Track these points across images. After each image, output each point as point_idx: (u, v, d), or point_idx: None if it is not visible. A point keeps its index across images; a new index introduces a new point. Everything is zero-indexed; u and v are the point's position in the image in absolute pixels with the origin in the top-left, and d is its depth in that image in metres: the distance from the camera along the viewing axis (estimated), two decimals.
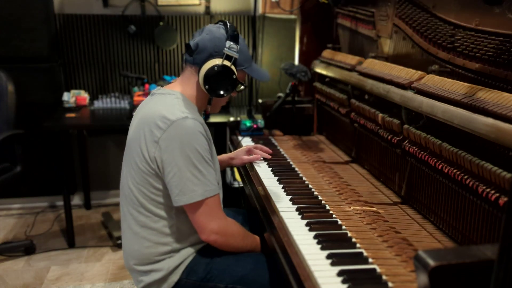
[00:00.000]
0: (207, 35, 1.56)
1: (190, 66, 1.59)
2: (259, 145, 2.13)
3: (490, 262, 0.83)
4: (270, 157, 2.08)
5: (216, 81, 1.54)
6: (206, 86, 1.54)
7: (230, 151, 2.51)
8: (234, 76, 1.56)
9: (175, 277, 1.55)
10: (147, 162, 1.48)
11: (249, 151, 2.04)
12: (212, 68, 1.53)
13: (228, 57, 1.55)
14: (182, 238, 1.56)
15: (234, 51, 1.55)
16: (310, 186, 1.83)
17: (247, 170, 2.01)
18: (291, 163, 2.10)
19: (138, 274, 1.58)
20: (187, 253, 1.57)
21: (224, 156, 2.03)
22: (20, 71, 3.35)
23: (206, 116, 1.69)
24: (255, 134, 2.57)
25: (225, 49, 1.54)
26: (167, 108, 1.49)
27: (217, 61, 1.54)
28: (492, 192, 1.22)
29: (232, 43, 1.55)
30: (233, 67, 1.56)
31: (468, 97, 1.32)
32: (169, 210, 1.53)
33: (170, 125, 1.44)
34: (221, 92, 1.56)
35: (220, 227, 1.51)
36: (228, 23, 1.60)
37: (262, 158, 2.07)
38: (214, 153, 1.61)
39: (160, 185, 1.51)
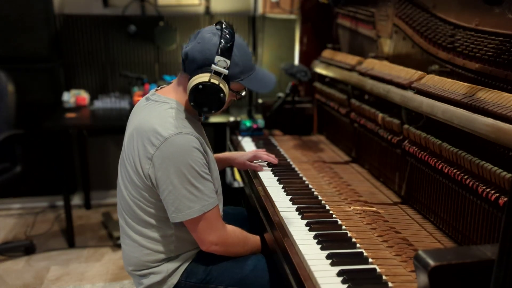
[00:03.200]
0: (198, 45, 1.45)
1: (183, 73, 1.53)
2: (265, 153, 2.01)
3: (490, 262, 0.83)
4: (276, 161, 1.99)
5: (202, 98, 1.44)
6: (192, 103, 1.45)
7: (230, 151, 2.51)
8: (222, 95, 1.44)
9: (174, 279, 1.54)
10: (141, 178, 1.45)
11: (254, 157, 1.95)
12: (197, 85, 1.43)
13: (218, 73, 1.44)
14: (182, 245, 1.55)
15: (224, 67, 1.43)
16: (310, 186, 1.83)
17: (248, 172, 2.01)
18: (291, 163, 2.10)
19: (138, 278, 1.58)
20: (187, 256, 1.56)
21: (227, 155, 1.98)
22: (20, 71, 3.35)
23: (205, 117, 1.65)
24: (255, 134, 2.56)
25: (213, 65, 1.43)
26: (160, 121, 1.43)
27: (205, 77, 1.43)
28: (492, 192, 1.22)
29: (222, 58, 1.42)
30: (222, 84, 1.44)
31: (468, 97, 1.32)
32: (166, 221, 1.50)
33: (163, 141, 1.39)
34: (206, 109, 1.47)
35: (220, 238, 1.49)
36: (224, 30, 1.46)
37: (265, 163, 2.00)
38: (213, 161, 1.55)
39: (154, 199, 1.48)
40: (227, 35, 1.46)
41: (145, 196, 1.48)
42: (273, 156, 2.02)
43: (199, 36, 1.48)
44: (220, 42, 1.44)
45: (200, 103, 1.46)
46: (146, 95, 1.61)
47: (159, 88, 1.63)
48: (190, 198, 1.41)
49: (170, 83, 1.64)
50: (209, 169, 1.49)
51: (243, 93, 1.58)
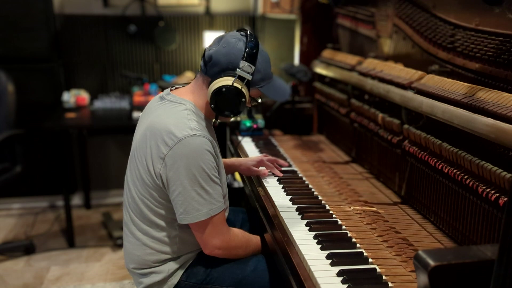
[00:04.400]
0: (224, 48, 1.46)
1: (203, 75, 1.53)
2: (272, 158, 1.96)
3: (490, 262, 0.83)
4: (281, 174, 1.91)
5: (223, 102, 1.46)
6: (212, 105, 1.47)
7: (230, 151, 2.51)
8: (244, 99, 1.46)
9: (175, 279, 1.54)
10: (152, 177, 1.45)
11: (260, 162, 1.91)
12: (220, 88, 1.44)
13: (241, 77, 1.45)
14: (185, 247, 1.55)
15: (248, 73, 1.45)
16: (310, 186, 1.83)
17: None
18: (291, 163, 2.10)
19: (138, 277, 1.58)
20: (188, 257, 1.56)
21: (233, 161, 1.96)
22: (20, 71, 3.35)
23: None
24: (255, 134, 2.56)
25: (238, 69, 1.45)
26: (175, 122, 1.44)
27: (228, 81, 1.44)
28: (492, 192, 1.22)
29: (247, 63, 1.45)
30: (244, 89, 1.46)
31: (468, 97, 1.32)
32: (172, 222, 1.50)
33: (177, 142, 1.39)
34: (227, 113, 1.49)
35: (223, 242, 1.49)
36: (249, 36, 1.48)
37: (270, 173, 1.92)
38: (222, 166, 1.56)
39: (163, 200, 1.48)
40: (252, 42, 1.48)
41: (154, 196, 1.48)
42: (281, 161, 1.96)
43: (223, 40, 1.49)
44: (246, 48, 1.46)
45: (221, 106, 1.47)
46: (160, 94, 1.60)
47: (173, 88, 1.63)
48: (199, 200, 1.41)
49: (180, 85, 1.63)
50: (219, 173, 1.49)
51: (259, 100, 1.59)
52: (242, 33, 1.52)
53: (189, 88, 1.57)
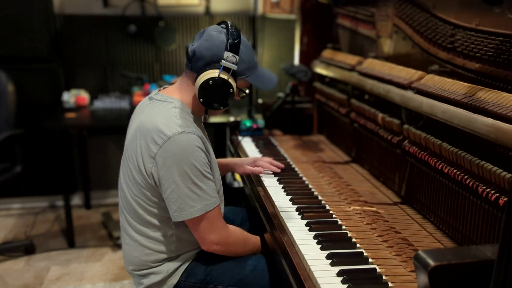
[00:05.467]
0: (206, 42, 1.47)
1: (189, 71, 1.53)
2: (268, 159, 1.96)
3: (490, 262, 0.83)
4: (279, 170, 1.92)
5: (211, 94, 1.45)
6: (201, 99, 1.46)
7: (230, 152, 2.51)
8: (231, 90, 1.46)
9: (174, 279, 1.54)
10: (144, 176, 1.45)
11: (255, 162, 1.92)
12: (207, 81, 1.44)
13: (227, 69, 1.45)
14: (182, 245, 1.55)
15: (233, 63, 1.45)
16: (310, 186, 1.83)
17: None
18: (291, 163, 2.10)
19: (138, 278, 1.58)
20: (187, 256, 1.57)
21: (228, 161, 1.97)
22: (20, 71, 3.35)
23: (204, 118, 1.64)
24: (255, 134, 2.56)
25: (223, 61, 1.45)
26: (164, 120, 1.44)
27: (214, 73, 1.44)
28: (492, 192, 1.22)
29: (231, 54, 1.44)
30: (230, 80, 1.46)
31: (468, 97, 1.32)
32: (168, 221, 1.50)
33: (166, 140, 1.40)
34: (216, 105, 1.49)
35: (221, 238, 1.49)
36: (230, 28, 1.49)
37: (267, 170, 1.93)
38: (214, 161, 1.56)
39: (156, 198, 1.48)
40: (234, 32, 1.48)
41: (147, 195, 1.48)
42: (277, 163, 1.95)
43: (205, 34, 1.50)
44: (228, 39, 1.46)
45: (210, 99, 1.47)
46: (149, 95, 1.61)
47: (162, 88, 1.63)
48: (192, 197, 1.42)
49: (172, 83, 1.64)
50: (211, 169, 1.49)
51: (247, 91, 1.59)
52: (222, 25, 1.52)
53: (176, 87, 1.58)
